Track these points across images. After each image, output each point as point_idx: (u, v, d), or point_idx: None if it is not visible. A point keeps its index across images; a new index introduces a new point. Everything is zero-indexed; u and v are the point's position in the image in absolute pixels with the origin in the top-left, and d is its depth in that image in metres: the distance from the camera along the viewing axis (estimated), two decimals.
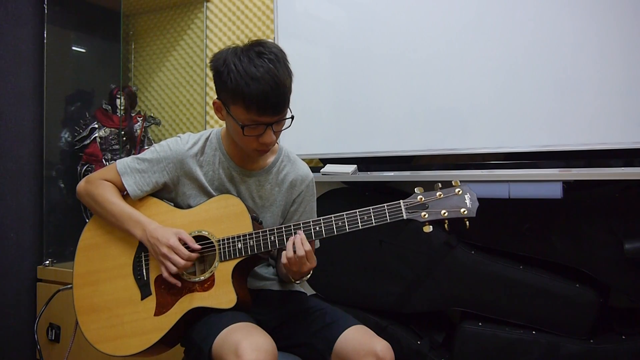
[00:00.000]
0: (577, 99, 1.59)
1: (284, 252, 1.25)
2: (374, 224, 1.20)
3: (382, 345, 1.21)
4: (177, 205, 1.41)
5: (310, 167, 1.49)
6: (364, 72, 1.94)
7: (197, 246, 1.30)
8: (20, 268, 2.30)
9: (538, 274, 1.65)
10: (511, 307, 1.67)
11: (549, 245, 1.67)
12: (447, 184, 1.20)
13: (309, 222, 1.26)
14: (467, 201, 1.17)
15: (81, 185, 1.43)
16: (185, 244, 1.30)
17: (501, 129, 1.70)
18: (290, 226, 1.27)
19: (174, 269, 1.27)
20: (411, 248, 1.78)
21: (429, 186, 1.24)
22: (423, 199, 1.20)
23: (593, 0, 1.57)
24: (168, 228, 1.32)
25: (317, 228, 1.25)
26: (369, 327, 1.30)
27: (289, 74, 1.23)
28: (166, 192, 1.41)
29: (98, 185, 1.39)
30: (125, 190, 1.38)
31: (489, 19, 1.71)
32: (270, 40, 1.30)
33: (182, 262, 1.26)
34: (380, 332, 1.75)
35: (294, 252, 1.22)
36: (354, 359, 1.20)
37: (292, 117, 1.27)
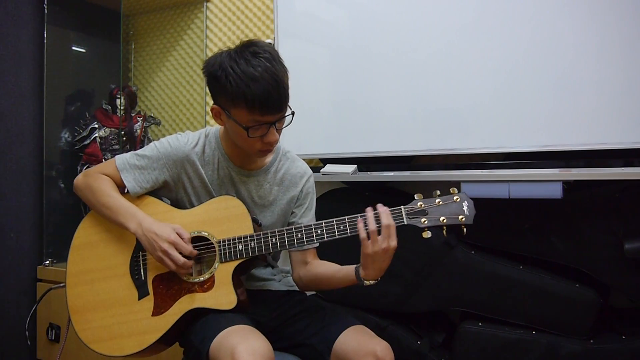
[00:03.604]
0: (577, 99, 1.58)
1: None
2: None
3: (381, 346, 1.21)
4: (178, 205, 1.41)
5: (310, 167, 1.49)
6: (363, 72, 1.94)
7: (190, 246, 1.29)
8: (20, 268, 2.30)
9: (538, 274, 1.65)
10: (511, 307, 1.67)
11: (549, 245, 1.67)
12: (445, 190, 1.21)
13: (311, 225, 1.25)
14: (465, 208, 1.19)
15: (79, 178, 1.41)
16: None
17: (501, 129, 1.70)
18: (292, 229, 1.27)
19: (172, 266, 1.26)
20: (411, 248, 1.78)
21: (428, 187, 1.24)
22: (423, 205, 1.20)
23: (593, 0, 1.56)
24: (165, 223, 1.30)
25: (319, 231, 1.24)
26: (369, 327, 1.30)
27: (285, 71, 1.24)
28: (167, 191, 1.41)
29: (97, 178, 1.37)
30: (124, 186, 1.36)
31: (489, 19, 1.71)
32: (261, 40, 1.30)
33: (181, 259, 1.25)
34: (380, 332, 1.75)
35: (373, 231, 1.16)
36: (354, 359, 1.20)
37: (293, 113, 1.27)
